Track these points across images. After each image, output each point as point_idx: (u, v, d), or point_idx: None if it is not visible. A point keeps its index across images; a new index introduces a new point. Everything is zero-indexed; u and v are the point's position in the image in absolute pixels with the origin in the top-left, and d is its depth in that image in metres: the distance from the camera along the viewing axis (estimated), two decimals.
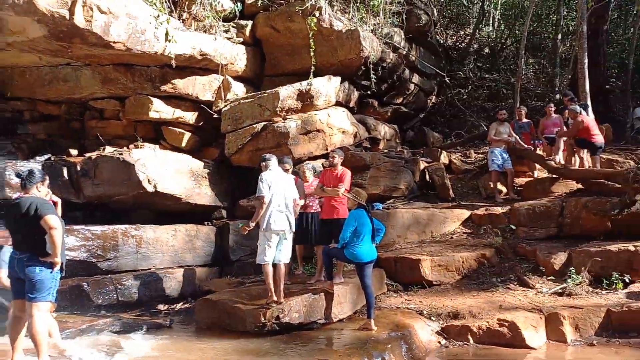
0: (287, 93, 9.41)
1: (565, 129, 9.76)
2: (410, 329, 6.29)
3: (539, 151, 10.44)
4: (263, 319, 6.30)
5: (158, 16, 8.26)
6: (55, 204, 5.64)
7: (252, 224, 6.65)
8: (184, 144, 9.71)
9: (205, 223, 9.16)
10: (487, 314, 6.54)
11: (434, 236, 8.81)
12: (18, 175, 5.17)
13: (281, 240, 6.67)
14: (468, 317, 6.60)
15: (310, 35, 9.57)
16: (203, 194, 9.21)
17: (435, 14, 14.46)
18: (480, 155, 11.76)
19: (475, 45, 17.25)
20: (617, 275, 6.98)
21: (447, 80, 14.65)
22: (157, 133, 9.83)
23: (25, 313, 5.09)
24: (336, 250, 6.54)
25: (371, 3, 11.25)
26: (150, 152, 8.77)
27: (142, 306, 7.75)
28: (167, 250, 8.31)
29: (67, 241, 6.20)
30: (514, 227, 8.58)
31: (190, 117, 9.82)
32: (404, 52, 12.15)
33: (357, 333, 6.29)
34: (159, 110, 9.36)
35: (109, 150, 9.03)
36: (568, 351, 6.15)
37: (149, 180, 8.45)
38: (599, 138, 9.29)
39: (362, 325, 6.43)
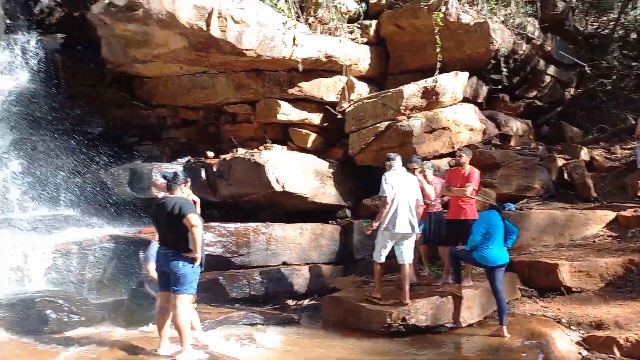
0: (412, 91, 9.26)
1: None
2: (548, 337, 5.90)
3: None
4: (389, 319, 6.27)
5: (286, 22, 8.57)
6: (195, 203, 6.06)
7: (375, 224, 6.67)
8: (309, 145, 9.95)
9: (330, 222, 9.33)
10: (637, 325, 5.97)
11: (573, 239, 8.18)
12: (164, 177, 5.64)
13: (401, 241, 6.63)
14: (613, 327, 6.05)
15: (436, 31, 9.32)
16: (328, 194, 9.38)
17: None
18: (627, 151, 10.73)
19: (620, 31, 15.69)
20: None
21: (588, 70, 13.46)
22: (284, 134, 10.18)
23: (170, 304, 5.54)
24: (464, 252, 6.31)
25: None
26: (278, 153, 9.12)
27: (271, 301, 8.06)
28: (294, 247, 8.57)
29: (205, 237, 6.63)
30: None
31: (316, 118, 10.05)
32: (539, 43, 11.39)
33: (488, 339, 6.02)
34: (287, 112, 9.70)
35: (241, 152, 9.52)
36: None
37: (277, 180, 8.77)
38: None
39: (494, 332, 6.14)
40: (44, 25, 10.10)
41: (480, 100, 10.67)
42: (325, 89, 9.82)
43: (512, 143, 10.71)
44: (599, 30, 16.05)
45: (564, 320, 6.40)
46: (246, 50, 8.48)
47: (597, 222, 8.32)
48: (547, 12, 11.65)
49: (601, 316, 6.31)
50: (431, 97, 9.27)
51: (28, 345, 5.83)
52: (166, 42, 8.49)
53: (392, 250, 6.75)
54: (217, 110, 10.23)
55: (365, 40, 10.22)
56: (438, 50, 9.29)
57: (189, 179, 5.74)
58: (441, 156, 9.38)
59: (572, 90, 13.78)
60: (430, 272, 7.77)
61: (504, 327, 6.04)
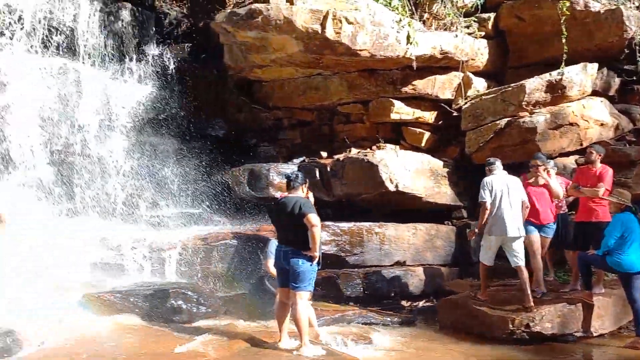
0: (534, 85, 8.76)
1: None
2: None
3: None
4: (511, 326, 6.02)
5: (400, 20, 8.51)
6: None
7: (477, 230, 6.86)
8: (423, 144, 9.78)
9: (445, 223, 9.11)
10: None
11: None
12: (287, 177, 5.84)
13: (509, 243, 6.52)
14: None
15: (561, 21, 8.75)
16: (443, 193, 9.16)
17: None
18: None
19: None
20: None
21: None
22: (396, 133, 10.09)
23: (289, 300, 5.72)
24: (596, 257, 5.88)
25: None
26: (392, 153, 9.06)
27: (385, 300, 8.03)
28: (408, 248, 8.47)
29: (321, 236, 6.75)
30: None
31: (429, 116, 9.86)
32: None
33: (623, 352, 5.59)
34: (400, 111, 9.61)
35: (354, 152, 9.59)
36: None
37: (391, 179, 8.72)
38: None
39: (629, 344, 5.68)
40: (172, 36, 10.86)
41: (611, 93, 9.84)
42: (440, 86, 9.59)
43: None
44: None
45: None
46: (360, 50, 8.53)
47: None
48: None
49: None
50: (556, 91, 8.72)
51: (162, 332, 6.31)
52: (283, 47, 8.79)
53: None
54: (331, 110, 10.38)
55: (482, 34, 9.84)
56: (563, 40, 8.71)
57: (307, 180, 5.91)
58: (568, 154, 8.80)
59: None
60: (555, 278, 7.33)
61: None
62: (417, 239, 8.48)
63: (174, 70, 10.32)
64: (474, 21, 9.92)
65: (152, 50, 10.37)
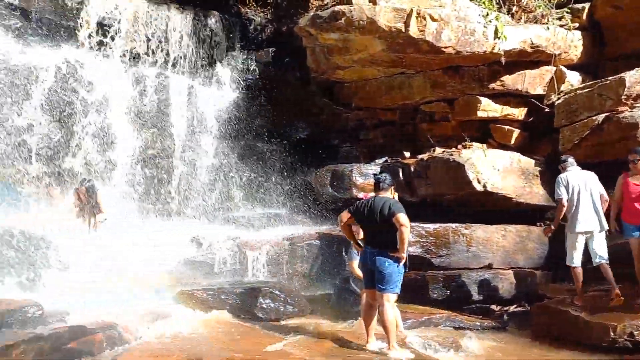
0: (635, 78, 8.16)
1: None
2: None
3: None
4: (613, 334, 5.66)
5: (487, 14, 8.24)
6: None
7: (553, 228, 6.80)
8: (512, 142, 9.40)
9: (537, 224, 8.70)
10: None
11: None
12: (377, 179, 5.81)
13: (591, 239, 6.45)
14: None
15: None
16: (534, 193, 8.75)
17: None
18: None
19: None
20: None
21: None
22: (482, 131, 9.76)
23: (376, 302, 5.69)
24: None
25: None
26: (479, 152, 8.78)
27: (473, 304, 7.80)
28: (497, 250, 8.16)
29: None
30: None
31: (519, 113, 9.46)
32: None
33: None
34: (487, 108, 9.29)
35: (439, 151, 9.37)
36: None
37: (478, 179, 8.45)
38: None
39: None
40: (256, 42, 11.16)
41: None
42: (531, 81, 9.19)
43: None
44: None
45: None
46: (445, 47, 8.36)
47: None
48: None
49: None
50: None
51: (252, 330, 6.50)
52: (365, 47, 8.78)
53: None
54: (414, 109, 10.22)
55: (576, 25, 9.32)
56: None
57: (394, 182, 5.89)
58: None
59: None
60: None
61: None
62: (507, 241, 8.16)
63: (258, 75, 10.62)
64: (567, 12, 9.41)
65: (238, 55, 10.72)
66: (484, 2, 8.52)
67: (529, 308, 7.38)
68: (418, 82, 9.65)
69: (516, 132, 9.43)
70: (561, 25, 9.22)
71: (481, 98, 9.27)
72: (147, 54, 9.94)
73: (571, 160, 6.97)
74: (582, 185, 6.69)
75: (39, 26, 9.18)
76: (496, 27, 8.30)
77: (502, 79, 9.11)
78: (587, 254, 6.77)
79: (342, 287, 7.35)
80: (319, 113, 10.81)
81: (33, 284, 6.71)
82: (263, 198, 10.32)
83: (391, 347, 5.53)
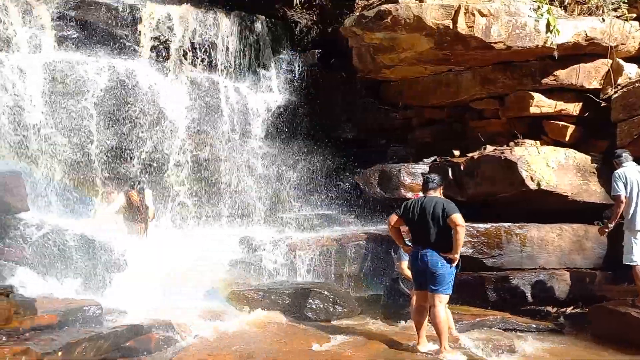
0: None
1: None
2: None
3: None
4: None
5: (538, 7, 8.02)
6: None
7: (611, 225, 6.54)
8: (567, 138, 9.08)
9: (595, 223, 8.37)
10: None
11: None
12: (426, 178, 5.76)
13: None
14: None
15: None
16: (591, 191, 8.42)
17: None
18: None
19: None
20: None
21: None
22: (534, 128, 9.48)
23: (427, 303, 5.61)
24: None
25: None
26: (532, 149, 8.53)
27: (528, 306, 7.57)
28: (553, 250, 7.90)
29: None
30: None
31: (574, 108, 9.14)
32: None
33: None
34: (540, 104, 9.01)
35: (489, 149, 9.16)
36: None
37: (532, 178, 8.20)
38: None
39: None
40: (302, 44, 11.24)
41: None
42: (586, 75, 8.85)
43: None
44: None
45: None
46: (494, 43, 8.18)
47: None
48: None
49: None
50: None
51: (301, 330, 6.55)
52: (412, 45, 8.71)
53: None
54: (463, 107, 10.04)
55: (633, 16, 8.91)
56: None
57: (443, 182, 5.83)
58: None
59: None
60: None
61: None
62: (563, 240, 7.89)
63: (305, 77, 10.71)
64: (623, 2, 9.02)
65: (285, 58, 10.84)
66: None
67: (587, 310, 7.11)
68: (467, 79, 9.48)
69: (571, 128, 9.11)
70: (617, 16, 8.84)
71: (534, 94, 9.01)
72: (196, 59, 10.17)
73: (626, 154, 6.76)
74: (637, 182, 6.47)
75: (95, 36, 9.55)
76: (548, 20, 8.05)
77: (555, 73, 8.83)
78: None
79: (391, 287, 7.29)
80: (366, 113, 10.78)
81: (92, 284, 6.98)
82: (311, 199, 10.40)
83: (443, 349, 5.45)
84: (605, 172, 8.51)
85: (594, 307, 6.70)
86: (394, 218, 5.75)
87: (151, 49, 9.83)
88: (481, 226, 7.93)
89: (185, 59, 10.03)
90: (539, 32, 8.20)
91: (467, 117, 10.23)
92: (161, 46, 9.87)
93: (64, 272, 7.00)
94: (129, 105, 9.16)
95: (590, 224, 8.21)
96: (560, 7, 8.71)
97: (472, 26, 8.01)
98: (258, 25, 10.69)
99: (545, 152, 8.49)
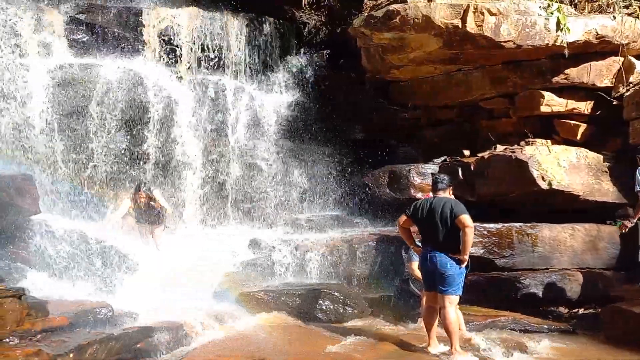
0: None
1: None
2: None
3: None
4: None
5: (548, 6, 7.97)
6: None
7: (633, 221, 6.46)
8: (578, 137, 9.00)
9: (608, 222, 8.29)
10: None
11: None
12: (435, 178, 5.73)
13: None
14: None
15: None
16: (604, 191, 8.34)
17: None
18: None
19: None
20: None
21: None
22: (545, 127, 9.40)
23: (437, 304, 5.58)
24: None
25: None
26: (543, 148, 8.46)
27: (540, 306, 7.53)
28: (565, 250, 7.84)
29: None
30: None
31: (585, 107, 9.05)
32: None
33: None
34: (551, 103, 8.94)
35: (499, 149, 9.10)
36: None
37: (543, 177, 8.13)
38: None
39: None
40: (311, 45, 11.23)
41: None
42: (597, 73, 8.77)
43: None
44: None
45: None
46: (504, 42, 8.13)
47: None
48: None
49: None
50: None
51: (311, 331, 6.54)
52: (421, 45, 8.68)
53: None
54: (472, 107, 9.98)
55: None
56: None
57: (452, 183, 5.79)
58: None
59: None
60: None
61: None
62: (575, 240, 7.82)
63: (313, 77, 10.70)
64: (635, 0, 8.95)
65: (293, 59, 10.84)
66: None
67: (600, 310, 7.04)
68: (477, 79, 9.42)
69: (582, 127, 9.03)
70: (629, 14, 8.78)
71: (544, 92, 8.94)
72: (204, 60, 10.20)
73: None
74: None
75: (104, 39, 9.61)
76: (558, 18, 7.99)
77: (566, 71, 8.75)
78: None
79: (402, 288, 7.26)
80: (375, 113, 10.74)
81: (103, 286, 7.01)
82: (321, 200, 10.38)
83: (454, 351, 5.42)
84: (618, 171, 8.44)
85: (607, 308, 6.64)
86: (402, 218, 5.74)
87: (159, 52, 9.87)
88: (492, 226, 7.88)
89: (194, 61, 10.05)
90: (549, 31, 8.14)
91: (477, 117, 10.16)
92: (169, 48, 9.90)
93: (75, 274, 7.03)
94: (137, 108, 9.20)
95: (602, 224, 8.14)
96: (571, 5, 8.66)
97: (481, 25, 7.97)
98: (266, 27, 10.70)
99: (556, 151, 8.42)
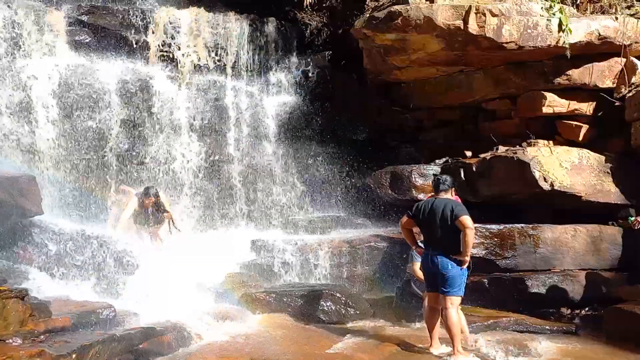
0: None
1: None
2: None
3: None
4: None
5: (550, 7, 7.97)
6: None
7: None
8: (580, 138, 9.00)
9: (610, 223, 8.29)
10: None
11: None
12: (437, 179, 5.72)
13: None
14: None
15: None
16: (606, 191, 8.34)
17: None
18: None
19: None
20: None
21: None
22: (548, 128, 9.41)
23: (438, 305, 5.59)
24: None
25: None
26: (545, 149, 8.48)
27: (542, 307, 7.50)
28: (567, 251, 7.83)
29: None
30: None
31: (587, 108, 9.05)
32: None
33: None
34: (553, 104, 8.95)
35: (502, 150, 9.10)
36: None
37: (545, 178, 8.14)
38: None
39: None
40: (312, 46, 11.23)
41: None
42: (599, 74, 8.78)
43: None
44: None
45: None
46: (506, 43, 8.15)
47: None
48: None
49: None
50: None
51: (313, 332, 6.55)
52: (423, 46, 8.70)
53: None
54: (475, 108, 9.99)
55: None
56: None
57: (456, 184, 5.78)
58: None
59: None
60: None
61: None
62: (577, 241, 7.82)
63: (315, 78, 10.70)
64: (637, 0, 8.95)
65: (295, 60, 10.84)
66: None
67: (602, 311, 7.03)
68: (479, 80, 9.43)
69: (584, 128, 9.03)
70: (631, 15, 8.78)
71: (546, 93, 8.95)
72: (206, 61, 10.21)
73: None
74: None
75: (107, 40, 9.63)
76: (560, 19, 8.00)
77: (568, 72, 8.76)
78: None
79: (404, 289, 7.26)
80: (377, 114, 10.75)
81: (106, 287, 7.02)
82: (323, 201, 10.38)
83: (456, 352, 5.42)
84: (621, 172, 8.45)
85: (609, 309, 6.63)
86: (405, 219, 5.75)
87: (161, 53, 9.87)
88: (494, 227, 7.88)
89: (196, 61, 10.06)
90: (551, 32, 8.15)
91: (479, 118, 10.18)
92: (172, 49, 9.91)
93: (78, 275, 7.05)
94: (140, 109, 9.22)
95: (604, 225, 8.14)
96: (573, 6, 8.67)
97: (483, 26, 7.99)
98: (268, 28, 10.70)
99: (558, 152, 8.43)
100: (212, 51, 10.21)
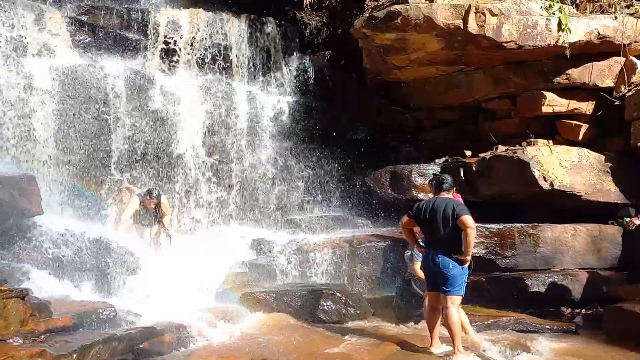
0: None
1: None
2: None
3: None
4: None
5: (550, 6, 7.98)
6: None
7: None
8: (580, 137, 9.02)
9: (610, 222, 8.30)
10: None
11: None
12: (438, 179, 5.72)
13: None
14: None
15: None
16: (605, 191, 8.35)
17: None
18: None
19: None
20: None
21: None
22: (548, 128, 9.43)
23: (439, 304, 5.58)
24: None
25: None
26: (544, 149, 8.49)
27: (542, 307, 7.50)
28: (567, 251, 7.84)
29: None
30: None
31: (587, 107, 9.07)
32: None
33: None
34: (553, 104, 8.97)
35: (501, 149, 9.12)
36: None
37: (544, 177, 8.16)
38: None
39: None
40: (312, 45, 11.25)
41: None
42: (598, 73, 8.80)
43: None
44: None
45: None
46: (506, 42, 8.17)
47: None
48: None
49: None
50: None
51: (314, 332, 6.53)
52: (423, 46, 8.71)
53: None
54: (475, 107, 10.01)
55: None
56: None
57: (456, 184, 5.79)
58: None
59: None
60: None
61: None
62: (577, 241, 7.83)
63: (315, 78, 10.72)
64: (637, 0, 8.97)
65: (295, 60, 10.86)
66: None
67: (602, 310, 7.05)
68: (478, 79, 9.45)
69: (584, 127, 9.04)
70: (630, 14, 8.79)
71: (546, 93, 8.97)
72: (206, 62, 10.22)
73: None
74: None
75: (106, 40, 9.63)
76: (560, 19, 8.02)
77: (567, 72, 8.78)
78: None
79: (404, 289, 7.26)
80: (377, 114, 10.77)
81: (107, 287, 7.02)
82: (323, 201, 10.40)
83: (457, 351, 5.41)
84: (620, 172, 8.46)
85: (609, 308, 6.64)
86: (405, 219, 5.75)
87: (162, 53, 9.89)
88: (494, 227, 7.88)
89: (196, 62, 10.07)
90: (550, 31, 8.18)
91: (479, 118, 10.19)
92: (172, 49, 9.92)
93: (78, 275, 7.04)
94: (140, 108, 9.22)
95: (604, 224, 8.15)
96: (572, 5, 8.69)
97: (483, 26, 8.01)
98: (268, 28, 10.72)
99: (558, 151, 8.45)
100: (212, 51, 10.22)
